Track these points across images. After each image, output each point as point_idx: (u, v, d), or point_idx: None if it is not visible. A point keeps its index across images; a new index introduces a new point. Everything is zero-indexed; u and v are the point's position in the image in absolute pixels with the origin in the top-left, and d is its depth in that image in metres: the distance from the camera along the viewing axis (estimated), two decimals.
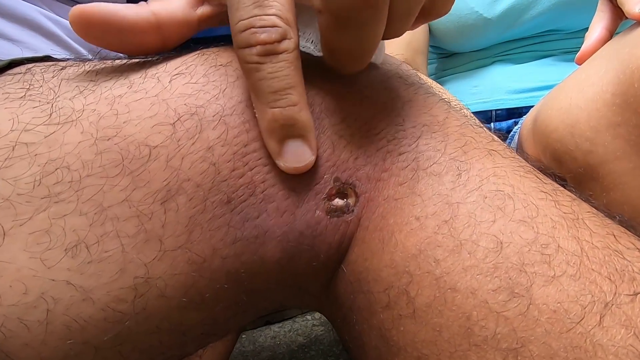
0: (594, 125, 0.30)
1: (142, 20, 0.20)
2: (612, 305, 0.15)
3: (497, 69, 0.62)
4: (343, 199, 0.19)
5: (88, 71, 0.21)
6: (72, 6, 0.36)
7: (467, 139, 0.20)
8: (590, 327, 0.15)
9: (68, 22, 0.35)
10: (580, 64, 0.37)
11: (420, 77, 0.25)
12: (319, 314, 0.66)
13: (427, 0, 0.19)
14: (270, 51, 0.17)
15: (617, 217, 0.19)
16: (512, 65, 0.61)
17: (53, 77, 0.21)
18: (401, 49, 0.60)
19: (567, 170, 0.32)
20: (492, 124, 0.60)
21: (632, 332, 0.15)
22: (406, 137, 0.20)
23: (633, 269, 0.16)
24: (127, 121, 0.19)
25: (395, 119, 0.21)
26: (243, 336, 0.63)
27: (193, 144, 0.18)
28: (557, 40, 0.61)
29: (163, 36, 0.21)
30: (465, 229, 0.18)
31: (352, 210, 0.20)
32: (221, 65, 0.20)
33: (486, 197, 0.18)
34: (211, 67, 0.20)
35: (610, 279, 0.16)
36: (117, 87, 0.20)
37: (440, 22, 0.64)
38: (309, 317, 0.65)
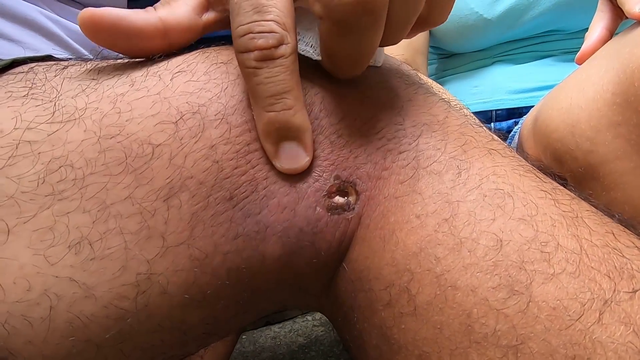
0: (594, 125, 0.30)
1: (150, 26, 0.20)
2: (612, 302, 0.15)
3: (497, 69, 0.62)
4: (344, 197, 0.20)
5: (90, 70, 0.21)
6: (73, 6, 0.36)
7: (467, 138, 0.20)
8: (589, 324, 0.15)
9: (68, 22, 0.36)
10: (580, 64, 0.37)
11: (420, 77, 0.25)
12: (319, 315, 0.66)
13: (424, 9, 0.20)
14: (267, 56, 0.18)
15: (617, 216, 0.19)
16: (512, 65, 0.62)
17: (55, 76, 0.21)
18: (401, 50, 0.60)
19: (568, 169, 0.32)
20: (492, 124, 0.60)
21: (631, 329, 0.15)
22: (406, 136, 0.20)
23: (632, 267, 0.16)
24: (130, 119, 0.19)
25: (395, 118, 0.21)
26: (243, 337, 0.63)
27: (196, 142, 0.19)
28: (557, 41, 0.61)
29: (169, 41, 0.21)
30: (465, 227, 0.18)
31: (353, 208, 0.20)
32: (222, 63, 0.21)
33: (486, 196, 0.18)
34: (212, 64, 0.20)
35: (609, 277, 0.16)
36: (119, 86, 0.20)
37: None
38: (309, 318, 0.66)
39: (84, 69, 0.21)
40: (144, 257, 0.18)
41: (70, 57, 0.24)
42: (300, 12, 0.20)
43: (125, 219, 0.18)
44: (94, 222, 0.18)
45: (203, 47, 0.22)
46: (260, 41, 0.18)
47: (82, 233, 0.17)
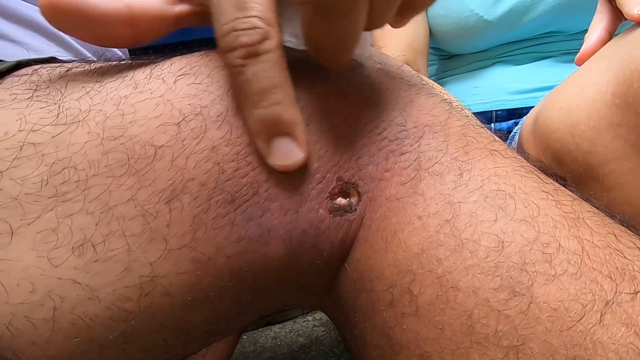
0: (594, 126, 0.30)
1: (114, 12, 0.20)
2: (613, 303, 0.16)
3: (498, 70, 0.62)
4: (346, 198, 0.20)
5: (94, 72, 0.21)
6: None
7: (469, 139, 0.20)
8: (590, 325, 0.15)
9: None
10: (580, 65, 0.37)
11: (422, 79, 0.25)
12: (320, 315, 0.66)
13: None
14: (252, 53, 0.18)
15: (618, 217, 0.19)
16: (512, 66, 0.62)
17: (59, 78, 0.21)
18: (402, 51, 0.60)
19: (568, 170, 0.32)
20: (492, 124, 0.60)
21: (632, 330, 0.15)
22: (408, 137, 0.20)
23: (633, 268, 0.16)
24: (133, 121, 0.19)
25: (397, 120, 0.21)
26: (244, 337, 0.63)
27: (197, 143, 0.19)
28: (556, 42, 0.61)
29: (136, 30, 0.20)
30: (466, 228, 0.18)
31: (355, 210, 0.20)
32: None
33: (487, 197, 0.18)
34: (215, 67, 0.20)
35: (610, 278, 0.16)
36: (123, 88, 0.20)
37: (441, 24, 0.64)
38: (309, 318, 0.66)
39: (87, 71, 0.21)
40: (146, 259, 0.18)
41: (73, 59, 0.24)
42: (282, 2, 0.20)
43: (127, 221, 0.18)
44: (97, 224, 0.18)
45: (206, 50, 0.22)
46: (244, 38, 0.18)
47: (86, 235, 0.18)
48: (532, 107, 0.46)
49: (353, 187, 0.20)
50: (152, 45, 0.22)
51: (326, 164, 0.20)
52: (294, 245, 0.19)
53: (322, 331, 0.62)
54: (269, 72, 0.18)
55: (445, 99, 0.23)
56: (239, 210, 0.19)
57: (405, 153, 0.20)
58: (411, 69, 0.26)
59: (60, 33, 0.35)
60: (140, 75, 0.21)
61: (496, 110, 0.60)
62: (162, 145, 0.18)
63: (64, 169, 0.18)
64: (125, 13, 0.20)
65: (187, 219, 0.18)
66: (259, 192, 0.19)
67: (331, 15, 0.17)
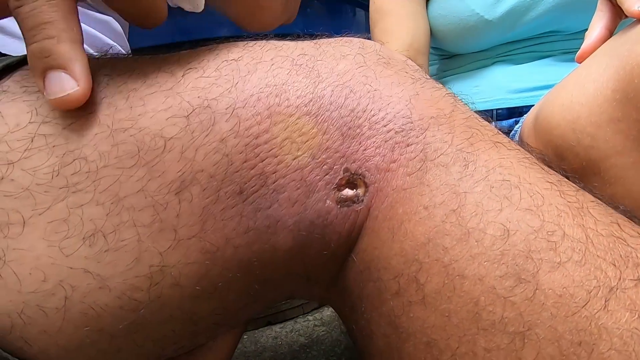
0: (595, 121, 0.30)
1: None
2: (617, 289, 0.16)
3: (498, 69, 0.63)
4: (353, 189, 0.20)
5: (102, 66, 0.21)
6: (81, 5, 0.36)
7: (473, 131, 0.21)
8: (595, 310, 0.16)
9: None
10: (580, 62, 0.37)
11: (425, 74, 0.25)
12: (321, 315, 0.66)
13: None
14: None
15: (621, 207, 0.20)
16: (512, 65, 0.62)
17: None
18: (403, 51, 0.60)
19: (569, 165, 0.33)
20: (493, 123, 0.61)
21: (636, 315, 0.15)
22: (414, 129, 0.21)
23: (637, 256, 0.17)
24: (143, 113, 0.19)
25: (402, 112, 0.21)
26: (245, 336, 0.63)
27: (206, 135, 0.19)
28: (557, 41, 0.61)
29: None
30: (472, 217, 0.18)
31: (362, 200, 0.20)
32: (233, 60, 0.21)
33: (493, 187, 0.19)
34: (223, 61, 0.21)
35: (614, 265, 0.16)
36: (132, 82, 0.20)
37: (442, 24, 0.64)
38: (310, 318, 0.66)
39: (96, 64, 0.22)
40: (156, 249, 0.18)
41: None
42: None
43: (138, 212, 0.18)
44: (107, 214, 0.18)
45: (212, 45, 0.22)
46: None
47: (96, 225, 0.18)
48: (533, 105, 0.46)
49: (360, 178, 0.20)
50: (152, 45, 0.22)
51: (333, 155, 0.20)
52: (302, 236, 0.19)
53: (323, 331, 0.62)
54: (43, 7, 0.18)
55: (450, 92, 0.23)
56: (247, 201, 0.19)
57: (411, 144, 0.20)
58: (415, 64, 0.26)
59: None
60: (149, 69, 0.21)
61: (497, 109, 0.60)
62: (171, 137, 0.19)
63: (74, 160, 0.18)
64: None
65: (196, 210, 0.18)
66: (267, 184, 0.19)
67: None
